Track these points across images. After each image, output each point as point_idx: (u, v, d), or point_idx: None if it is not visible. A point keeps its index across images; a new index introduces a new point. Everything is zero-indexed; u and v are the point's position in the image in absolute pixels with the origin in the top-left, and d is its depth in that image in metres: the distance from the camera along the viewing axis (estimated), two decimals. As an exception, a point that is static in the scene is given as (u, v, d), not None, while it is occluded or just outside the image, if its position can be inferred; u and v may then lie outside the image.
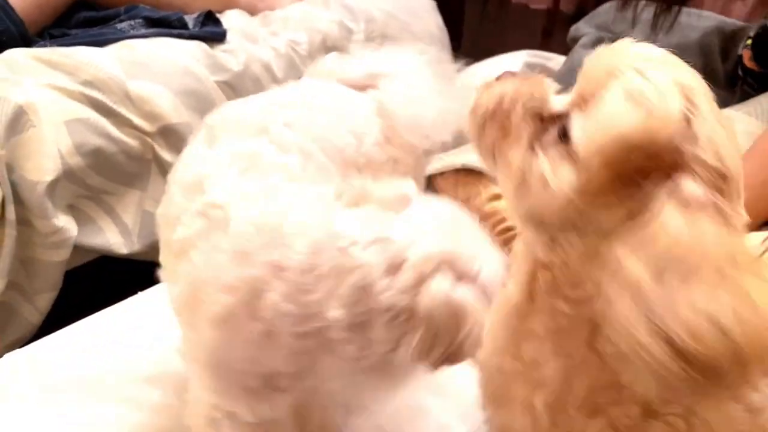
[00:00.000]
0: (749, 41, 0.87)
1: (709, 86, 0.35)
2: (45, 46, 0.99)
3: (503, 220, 0.70)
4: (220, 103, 1.06)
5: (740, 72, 0.86)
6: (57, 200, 0.90)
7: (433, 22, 1.52)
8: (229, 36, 1.13)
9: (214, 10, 1.23)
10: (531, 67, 0.88)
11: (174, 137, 0.99)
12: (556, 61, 0.89)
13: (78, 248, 0.95)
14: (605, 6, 1.15)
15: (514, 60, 0.91)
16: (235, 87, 1.09)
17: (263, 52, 1.15)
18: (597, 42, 0.77)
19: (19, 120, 0.85)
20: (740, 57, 0.87)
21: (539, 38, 2.73)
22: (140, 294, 0.71)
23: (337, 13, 1.33)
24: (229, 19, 1.21)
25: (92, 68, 0.93)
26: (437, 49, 1.48)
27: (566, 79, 0.73)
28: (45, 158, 0.86)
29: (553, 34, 2.75)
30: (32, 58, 0.92)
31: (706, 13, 1.03)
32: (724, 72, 0.91)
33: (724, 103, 0.72)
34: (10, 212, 0.86)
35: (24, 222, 0.88)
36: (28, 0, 1.01)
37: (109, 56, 0.97)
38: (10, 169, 0.85)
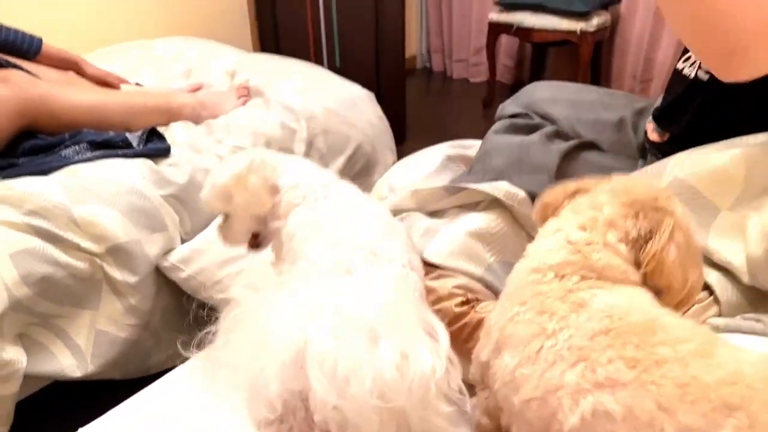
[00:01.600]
0: (651, 116, 0.97)
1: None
2: (-9, 179, 1.01)
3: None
4: (167, 216, 1.09)
5: (646, 144, 0.94)
6: (4, 332, 0.89)
7: (372, 112, 1.61)
8: (173, 149, 1.18)
9: (160, 125, 1.29)
10: (452, 159, 0.94)
11: (123, 255, 1.01)
12: (474, 148, 0.95)
13: (29, 377, 0.93)
14: (530, 86, 1.25)
15: (436, 153, 0.98)
16: (181, 199, 1.12)
17: (208, 161, 1.19)
18: (509, 128, 0.84)
19: (-37, 259, 0.86)
20: (645, 131, 0.96)
21: (480, 109, 2.88)
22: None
23: (278, 114, 1.39)
24: (174, 132, 1.26)
25: (36, 198, 0.96)
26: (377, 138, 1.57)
27: (480, 162, 0.79)
28: (-10, 293, 0.86)
29: (492, 104, 2.91)
30: (-24, 195, 0.94)
31: (618, 92, 1.13)
32: (636, 144, 1.00)
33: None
34: (-44, 352, 0.85)
35: (-30, 359, 0.87)
36: (-28, 137, 1.04)
37: (54, 184, 1.00)
38: (-45, 308, 0.85)
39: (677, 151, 0.75)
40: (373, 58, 2.36)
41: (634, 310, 0.45)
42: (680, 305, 0.50)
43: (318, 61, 2.43)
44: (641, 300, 0.47)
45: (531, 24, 2.47)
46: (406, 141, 2.47)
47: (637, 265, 0.49)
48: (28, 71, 1.20)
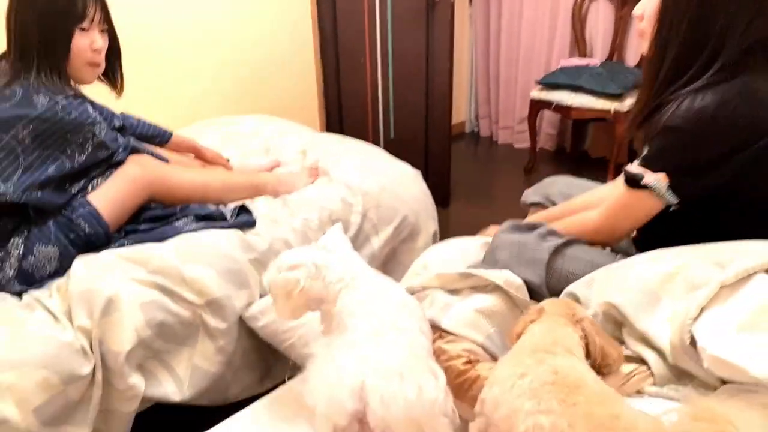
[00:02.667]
0: None
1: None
2: (123, 243, 1.34)
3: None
4: (251, 275, 1.39)
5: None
6: (131, 363, 1.20)
7: (417, 188, 1.88)
8: (258, 221, 1.49)
9: (249, 198, 1.61)
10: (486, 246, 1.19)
11: (217, 306, 1.31)
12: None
13: (142, 398, 1.23)
14: (549, 179, 1.51)
15: (465, 244, 1.23)
16: (262, 262, 1.41)
17: (283, 231, 1.49)
18: (513, 228, 1.09)
19: (108, 307, 1.17)
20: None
21: (522, 175, 3.11)
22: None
23: (339, 190, 1.68)
24: (259, 205, 1.57)
25: (157, 260, 1.27)
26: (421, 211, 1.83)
27: (490, 255, 1.04)
28: (125, 333, 1.17)
29: (533, 171, 3.13)
30: (117, 257, 1.27)
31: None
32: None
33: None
34: (98, 376, 1.16)
35: (107, 382, 1.17)
36: (112, 209, 1.38)
37: (170, 249, 1.31)
38: (100, 342, 1.16)
39: (648, 248, 0.98)
40: (423, 130, 2.66)
41: (572, 373, 0.69)
42: (615, 368, 0.75)
43: (375, 132, 2.76)
44: (579, 368, 0.71)
45: (569, 102, 2.72)
46: (450, 204, 2.73)
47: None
48: (158, 155, 1.55)
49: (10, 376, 1.05)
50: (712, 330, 0.75)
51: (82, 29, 1.32)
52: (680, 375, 0.81)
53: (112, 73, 1.48)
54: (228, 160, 1.89)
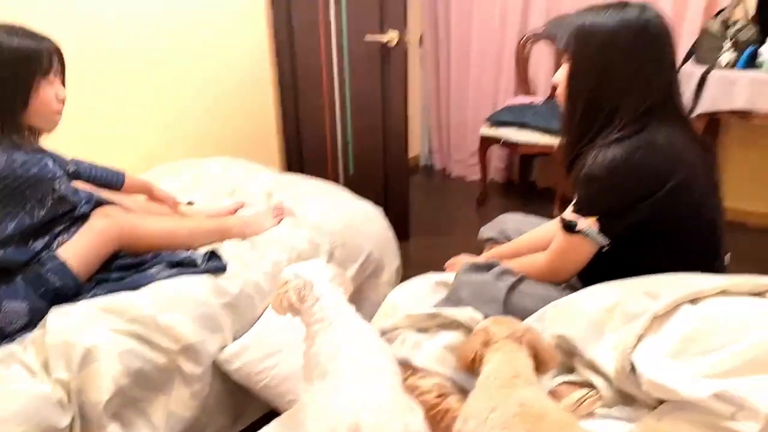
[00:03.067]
0: None
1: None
2: (96, 294, 1.36)
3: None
4: (223, 319, 1.43)
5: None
6: (108, 412, 1.22)
7: (380, 225, 1.98)
8: (228, 265, 1.54)
9: (216, 241, 1.66)
10: (438, 285, 1.29)
11: (192, 351, 1.34)
12: (451, 278, 1.31)
13: (118, 447, 1.25)
14: (502, 216, 1.64)
15: (428, 281, 1.32)
16: (233, 305, 1.46)
17: (254, 274, 1.54)
18: (472, 268, 1.20)
19: (86, 358, 1.20)
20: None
21: (475, 206, 3.26)
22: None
23: (306, 230, 1.75)
24: (228, 249, 1.62)
25: (134, 309, 1.31)
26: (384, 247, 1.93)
27: (454, 293, 1.14)
28: (103, 383, 1.20)
29: (485, 202, 3.29)
30: (92, 308, 1.29)
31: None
32: None
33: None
34: (77, 427, 1.17)
35: (85, 432, 1.19)
36: (82, 261, 1.39)
37: (145, 298, 1.35)
38: (78, 393, 1.18)
39: (592, 281, 1.11)
40: (381, 166, 2.77)
41: (535, 404, 0.79)
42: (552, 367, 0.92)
43: (334, 169, 2.86)
44: (541, 397, 0.81)
45: (516, 139, 2.90)
46: (410, 237, 2.83)
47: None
48: (113, 201, 1.57)
49: (-11, 433, 1.06)
50: (648, 357, 0.86)
51: (48, 81, 1.36)
52: (625, 397, 0.92)
53: None
54: (191, 203, 1.94)
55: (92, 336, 1.23)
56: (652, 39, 1.07)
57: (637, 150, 1.04)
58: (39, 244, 1.36)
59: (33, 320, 1.31)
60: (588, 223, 1.08)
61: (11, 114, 1.33)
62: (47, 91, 1.36)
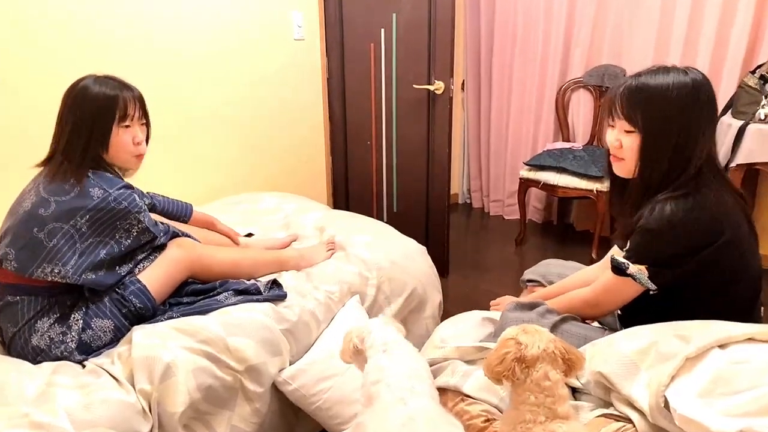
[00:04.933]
0: None
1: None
2: (172, 316, 1.52)
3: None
4: (282, 344, 1.57)
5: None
6: (181, 423, 1.35)
7: (424, 262, 2.09)
8: (288, 295, 1.68)
9: (275, 272, 1.81)
10: (485, 320, 1.40)
11: (255, 372, 1.48)
12: (497, 315, 1.41)
13: (186, 456, 1.37)
14: (544, 261, 1.74)
15: (475, 317, 1.44)
16: (292, 332, 1.60)
17: (310, 304, 1.68)
18: (517, 307, 1.30)
19: (166, 372, 1.34)
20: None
21: (513, 246, 3.35)
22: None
23: (356, 265, 1.89)
24: (286, 278, 1.77)
25: (205, 331, 1.45)
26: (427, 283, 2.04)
27: (500, 330, 1.25)
28: (179, 396, 1.34)
29: (523, 242, 3.37)
30: (170, 328, 1.44)
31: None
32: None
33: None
34: (155, 435, 1.31)
35: (165, 440, 1.32)
36: (159, 286, 1.56)
37: (215, 321, 1.50)
38: (158, 404, 1.32)
39: (629, 318, 1.20)
40: (424, 205, 2.91)
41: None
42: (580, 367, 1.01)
43: (379, 207, 3.00)
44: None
45: (555, 182, 3.00)
46: (449, 274, 2.94)
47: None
48: (187, 234, 1.75)
49: (84, 435, 1.20)
50: (680, 395, 0.95)
51: (126, 126, 1.50)
52: (659, 430, 1.00)
53: None
54: (250, 234, 2.11)
55: (171, 353, 1.37)
56: (707, 100, 1.15)
57: (693, 209, 1.12)
58: (124, 269, 1.52)
59: (116, 337, 1.48)
60: (639, 269, 1.16)
61: (96, 154, 1.49)
62: (124, 137, 1.50)
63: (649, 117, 1.15)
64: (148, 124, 1.60)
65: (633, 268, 1.17)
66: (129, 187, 1.54)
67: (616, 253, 1.24)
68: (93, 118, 1.46)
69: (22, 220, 1.42)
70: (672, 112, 1.13)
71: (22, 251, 1.40)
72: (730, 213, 1.15)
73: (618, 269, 1.20)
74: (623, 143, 1.21)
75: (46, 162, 1.50)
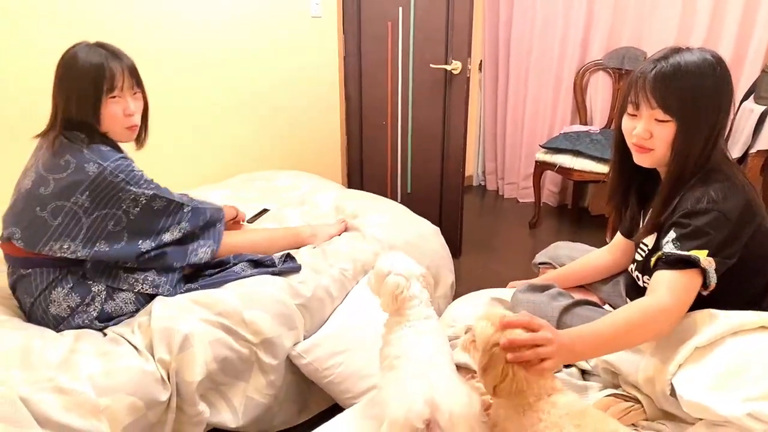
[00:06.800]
0: None
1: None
2: (191, 288, 1.56)
3: None
4: (297, 319, 1.60)
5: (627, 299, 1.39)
6: (198, 392, 1.39)
7: (437, 242, 2.11)
8: (302, 270, 1.70)
9: (291, 246, 1.83)
10: (495, 300, 1.41)
11: (270, 345, 1.51)
12: (508, 294, 1.42)
13: (204, 424, 1.42)
14: (554, 244, 1.74)
15: (485, 296, 1.45)
16: (307, 307, 1.63)
17: (324, 280, 1.71)
18: (528, 289, 1.31)
19: (184, 343, 1.38)
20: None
21: (527, 229, 3.34)
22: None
23: (371, 244, 1.91)
24: (303, 255, 1.79)
25: (222, 304, 1.49)
26: (440, 263, 2.05)
27: (510, 312, 1.26)
28: (197, 366, 1.37)
29: (537, 225, 3.37)
30: (189, 300, 1.48)
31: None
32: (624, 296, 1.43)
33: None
34: (173, 402, 1.35)
35: (179, 408, 1.37)
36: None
37: (232, 294, 1.53)
38: (176, 373, 1.36)
39: None
40: (438, 186, 2.91)
41: (577, 406, 0.90)
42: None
43: (393, 187, 3.01)
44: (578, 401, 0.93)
45: (571, 165, 2.98)
46: (461, 255, 2.95)
47: None
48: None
49: (106, 400, 1.24)
50: (688, 382, 0.95)
51: (114, 97, 1.43)
52: (666, 413, 1.02)
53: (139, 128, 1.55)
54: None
55: (189, 324, 1.41)
56: (729, 76, 1.08)
57: (736, 193, 1.04)
58: (146, 245, 1.51)
59: (137, 308, 1.52)
60: (709, 261, 1.02)
61: (91, 128, 1.43)
62: (114, 108, 1.44)
63: (685, 103, 1.06)
64: (143, 94, 1.53)
65: (704, 262, 1.01)
66: (126, 158, 1.49)
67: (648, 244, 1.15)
68: (80, 89, 1.41)
69: (24, 198, 1.44)
70: (707, 92, 1.06)
71: (27, 230, 1.42)
72: (757, 195, 1.10)
73: (687, 262, 1.02)
74: (654, 133, 1.10)
75: (45, 133, 1.48)
